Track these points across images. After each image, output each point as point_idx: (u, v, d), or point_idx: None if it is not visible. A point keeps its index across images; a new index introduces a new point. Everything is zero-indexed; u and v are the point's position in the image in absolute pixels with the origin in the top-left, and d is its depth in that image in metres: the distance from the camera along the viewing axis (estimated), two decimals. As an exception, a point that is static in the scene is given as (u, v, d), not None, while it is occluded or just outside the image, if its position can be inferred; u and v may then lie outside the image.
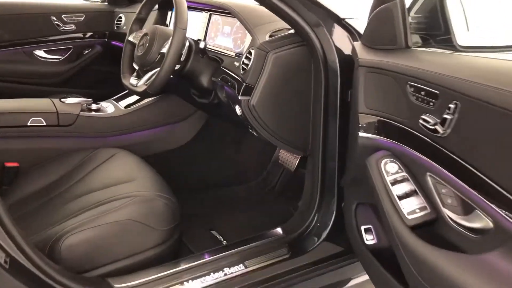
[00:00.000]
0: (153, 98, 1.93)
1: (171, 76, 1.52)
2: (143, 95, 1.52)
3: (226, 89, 1.51)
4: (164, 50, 1.47)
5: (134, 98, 1.98)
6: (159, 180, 1.52)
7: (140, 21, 1.68)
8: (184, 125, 1.97)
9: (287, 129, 1.45)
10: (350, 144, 1.27)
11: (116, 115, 1.85)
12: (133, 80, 1.59)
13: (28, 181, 1.60)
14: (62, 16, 2.41)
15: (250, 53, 1.40)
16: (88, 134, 1.78)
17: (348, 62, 1.27)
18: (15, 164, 1.65)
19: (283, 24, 1.43)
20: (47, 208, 1.44)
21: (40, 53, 2.41)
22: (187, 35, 1.52)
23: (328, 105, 1.35)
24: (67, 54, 2.48)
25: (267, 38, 1.42)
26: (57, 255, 1.20)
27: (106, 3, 2.58)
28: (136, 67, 1.62)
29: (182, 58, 1.52)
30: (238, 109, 1.44)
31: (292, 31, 1.39)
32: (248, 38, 1.49)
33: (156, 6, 1.83)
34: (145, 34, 1.55)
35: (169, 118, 1.94)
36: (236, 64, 1.48)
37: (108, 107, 1.91)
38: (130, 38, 1.66)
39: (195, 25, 1.78)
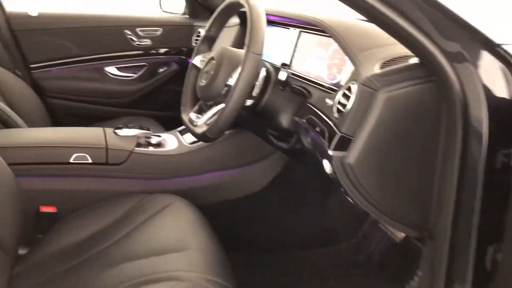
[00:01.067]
0: (226, 133, 1.57)
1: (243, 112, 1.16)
2: (201, 138, 1.16)
3: (312, 136, 1.10)
4: (232, 81, 1.09)
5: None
6: (217, 252, 1.16)
7: (209, 40, 1.33)
8: (258, 167, 1.58)
9: (397, 199, 1.01)
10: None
11: (177, 152, 1.51)
12: (193, 116, 1.24)
13: (65, 231, 1.32)
14: (137, 29, 2.16)
15: (350, 89, 0.98)
16: (142, 175, 1.46)
17: (504, 109, 0.83)
18: (52, 209, 1.37)
19: (400, 50, 0.99)
20: (77, 274, 1.13)
21: (111, 70, 2.19)
22: (269, 57, 1.13)
23: (465, 171, 0.89)
24: (140, 72, 2.24)
25: (376, 69, 0.98)
26: None
27: (187, 16, 2.29)
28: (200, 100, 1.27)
29: (255, 92, 1.13)
30: (327, 166, 1.03)
31: (414, 60, 0.94)
32: (349, 67, 1.07)
33: (235, 21, 1.47)
34: (211, 59, 1.19)
35: (241, 158, 1.56)
36: (329, 102, 1.06)
37: (171, 141, 1.58)
38: (196, 62, 1.31)
39: (280, 45, 1.39)
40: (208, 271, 1.06)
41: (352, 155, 0.93)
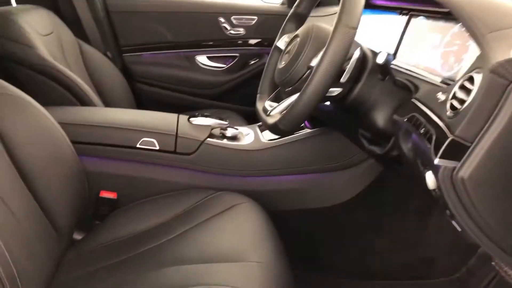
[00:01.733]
0: (307, 132, 1.35)
1: (328, 104, 0.94)
2: (271, 129, 0.95)
3: (414, 139, 0.86)
4: (314, 62, 0.88)
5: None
6: (282, 269, 0.96)
7: (297, 19, 1.13)
8: (345, 175, 1.34)
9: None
10: None
11: (252, 148, 1.33)
12: (268, 105, 1.04)
13: (122, 221, 1.21)
14: (232, 17, 2.03)
15: (471, 79, 0.72)
16: (210, 168, 1.30)
17: None
18: (112, 195, 1.27)
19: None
20: (122, 271, 1.01)
21: (202, 59, 2.08)
22: (369, 45, 0.91)
23: None
24: (231, 63, 2.11)
25: (512, 54, 0.71)
26: None
27: (286, 6, 2.11)
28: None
29: (345, 78, 0.90)
30: (430, 180, 0.79)
31: None
32: (472, 54, 0.81)
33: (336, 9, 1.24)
34: (295, 37, 0.99)
35: (325, 163, 1.33)
36: (441, 97, 0.81)
37: (247, 136, 1.40)
38: (279, 43, 1.12)
39: (383, 34, 1.15)
40: None
41: (467, 166, 0.68)
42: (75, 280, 1.03)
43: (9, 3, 1.63)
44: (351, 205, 1.34)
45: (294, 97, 0.94)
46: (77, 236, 1.24)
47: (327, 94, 0.94)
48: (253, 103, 2.08)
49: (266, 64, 1.15)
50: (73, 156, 1.16)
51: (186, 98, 2.07)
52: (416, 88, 0.93)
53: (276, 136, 1.36)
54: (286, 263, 1.02)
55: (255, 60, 2.10)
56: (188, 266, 0.97)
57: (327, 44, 0.81)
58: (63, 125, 1.17)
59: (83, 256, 1.12)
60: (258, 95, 1.12)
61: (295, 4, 1.11)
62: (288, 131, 0.91)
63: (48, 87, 1.40)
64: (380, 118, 0.96)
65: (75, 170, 1.16)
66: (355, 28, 0.81)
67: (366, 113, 0.98)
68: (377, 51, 1.00)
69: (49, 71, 1.40)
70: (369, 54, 0.94)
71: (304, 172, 1.34)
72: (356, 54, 0.90)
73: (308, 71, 0.92)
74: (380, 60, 0.87)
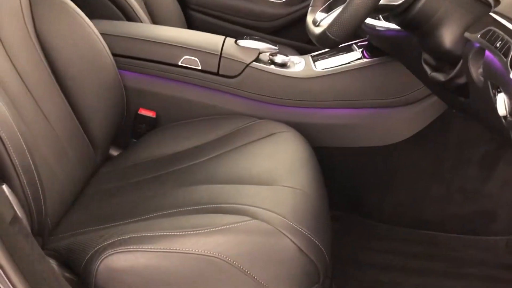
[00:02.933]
0: (364, 61, 1.22)
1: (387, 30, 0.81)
2: (319, 39, 0.84)
3: (488, 58, 0.72)
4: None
5: (346, 58, 1.28)
6: (317, 200, 0.88)
7: None
8: (402, 112, 1.20)
9: None
10: None
11: (301, 76, 1.22)
12: (319, 15, 0.92)
13: (158, 141, 1.17)
14: None
15: None
16: (254, 95, 1.21)
17: None
18: (151, 114, 1.22)
19: None
20: (149, 187, 0.98)
21: (262, -13, 1.96)
22: None
23: None
24: (291, -6, 1.96)
25: None
26: (90, 277, 0.71)
27: None
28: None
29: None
30: (501, 103, 0.66)
31: None
32: None
33: None
34: None
35: (380, 97, 1.20)
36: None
37: (299, 64, 1.29)
38: None
39: None
40: (296, 218, 0.78)
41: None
42: (103, 192, 1.01)
43: None
44: (407, 146, 1.21)
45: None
46: (114, 152, 1.21)
47: (388, 3, 0.81)
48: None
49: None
50: (113, 68, 1.12)
51: (241, 30, 1.96)
52: (497, 0, 0.78)
53: (329, 66, 1.24)
54: (323, 194, 0.93)
55: (318, -8, 1.95)
56: (217, 186, 0.91)
57: None
58: (105, 36, 1.13)
59: (116, 172, 1.10)
60: (309, 8, 1.01)
61: None
62: (337, 41, 0.79)
63: (96, 0, 1.36)
64: (448, 36, 0.82)
65: (113, 83, 1.12)
66: None
67: (431, 30, 0.84)
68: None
69: (98, -17, 1.35)
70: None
71: (356, 106, 1.21)
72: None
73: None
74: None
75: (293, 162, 0.98)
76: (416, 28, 0.86)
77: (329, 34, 0.78)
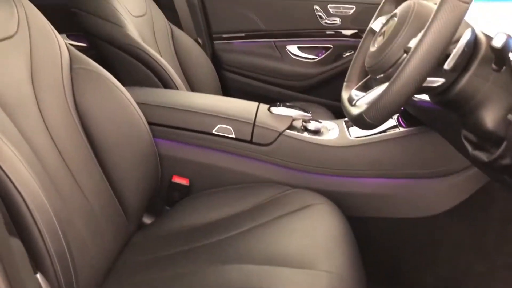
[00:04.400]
0: (401, 131, 1.20)
1: (425, 99, 0.79)
2: (356, 121, 0.82)
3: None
4: (413, 44, 0.74)
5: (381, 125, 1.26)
6: (357, 283, 0.84)
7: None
8: (441, 184, 1.16)
9: None
10: None
11: (335, 144, 1.21)
12: (354, 94, 0.92)
13: (191, 209, 1.17)
14: (328, 6, 1.91)
15: None
16: (287, 162, 1.20)
17: None
18: (184, 181, 1.23)
19: None
20: (181, 263, 0.96)
21: (293, 49, 1.99)
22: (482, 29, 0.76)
23: None
24: (324, 55, 1.99)
25: None
26: None
27: (389, -5, 1.94)
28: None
29: (449, 66, 0.75)
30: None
31: None
32: None
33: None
34: (393, 16, 0.85)
35: (418, 167, 1.17)
36: None
37: (333, 130, 1.28)
38: (374, 25, 0.99)
39: (505, 20, 0.96)
40: None
41: None
42: (136, 265, 0.99)
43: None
44: (447, 218, 1.16)
45: (385, 85, 0.81)
46: (147, 220, 1.21)
47: (425, 84, 0.79)
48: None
49: (357, 49, 1.02)
50: (148, 137, 1.13)
51: (274, 89, 1.99)
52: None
53: (364, 133, 1.22)
54: (362, 277, 0.90)
55: (349, 52, 1.96)
56: (250, 266, 0.88)
57: (430, 19, 0.67)
58: (141, 105, 1.15)
59: (149, 242, 1.09)
60: (344, 84, 1.00)
61: (396, -19, 0.97)
62: (374, 124, 0.78)
63: (133, 67, 1.41)
64: (491, 117, 0.79)
65: (149, 152, 1.13)
66: (468, 3, 0.66)
67: (472, 110, 0.81)
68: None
69: (135, 51, 1.39)
70: (482, 37, 0.77)
71: (393, 176, 1.18)
72: (466, 36, 0.74)
73: (404, 55, 0.78)
74: (497, 43, 0.70)
75: (329, 240, 0.95)
76: (456, 108, 0.83)
77: (366, 118, 0.77)
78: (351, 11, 1.91)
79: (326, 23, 1.93)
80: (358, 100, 0.85)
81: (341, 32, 1.94)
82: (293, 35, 1.96)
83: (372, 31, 0.99)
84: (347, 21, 1.92)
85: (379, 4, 1.85)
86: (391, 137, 1.18)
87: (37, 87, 0.95)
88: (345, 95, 0.95)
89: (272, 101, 1.82)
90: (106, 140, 1.05)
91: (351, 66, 1.01)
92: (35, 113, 0.93)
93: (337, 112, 1.78)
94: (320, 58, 1.98)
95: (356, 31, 1.94)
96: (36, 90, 0.95)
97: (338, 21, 1.93)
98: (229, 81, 2.01)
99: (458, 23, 0.66)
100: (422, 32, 0.69)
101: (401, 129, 1.19)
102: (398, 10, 0.84)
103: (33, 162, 0.82)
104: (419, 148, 1.17)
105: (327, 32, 1.95)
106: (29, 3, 1.01)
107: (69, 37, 1.69)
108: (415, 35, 0.77)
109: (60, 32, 1.05)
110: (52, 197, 0.73)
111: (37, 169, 0.81)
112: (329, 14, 1.92)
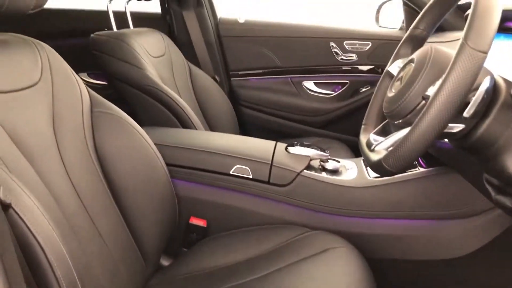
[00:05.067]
0: (421, 171, 1.18)
1: (445, 142, 0.78)
2: (374, 168, 0.82)
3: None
4: (431, 91, 0.74)
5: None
6: None
7: (415, 41, 0.98)
8: (464, 225, 1.14)
9: None
10: None
11: (354, 185, 1.19)
12: (372, 138, 0.91)
13: (209, 251, 1.15)
14: (344, 42, 1.93)
15: None
16: (305, 203, 1.19)
17: None
18: (202, 223, 1.22)
19: None
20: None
21: (309, 85, 2.01)
22: (502, 73, 0.75)
23: None
24: (340, 90, 1.99)
25: None
26: None
27: (404, 31, 1.95)
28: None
29: (469, 113, 0.74)
30: None
31: None
32: None
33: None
34: (410, 61, 0.85)
35: (440, 208, 1.15)
36: None
37: (351, 169, 1.27)
38: (391, 68, 0.99)
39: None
40: None
41: None
42: (153, 309, 0.98)
43: (128, 26, 1.72)
44: (469, 261, 1.13)
45: (404, 131, 0.80)
46: (164, 262, 1.20)
47: (445, 130, 0.79)
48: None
49: (374, 92, 1.02)
50: (166, 178, 1.14)
51: (291, 125, 2.00)
52: None
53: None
54: None
55: (366, 87, 1.97)
56: None
57: (448, 68, 0.66)
58: (159, 146, 1.16)
59: (166, 284, 1.08)
60: (362, 126, 1.00)
61: (412, 25, 0.97)
62: (393, 172, 0.77)
63: (153, 107, 1.43)
64: (512, 163, 0.78)
65: (167, 193, 1.13)
66: (486, 52, 0.66)
67: (494, 155, 0.79)
68: (513, 80, 0.82)
69: (154, 92, 1.42)
70: (502, 83, 0.77)
71: (414, 218, 1.16)
72: (486, 83, 0.73)
73: (422, 102, 0.77)
74: (518, 90, 0.69)
75: (351, 285, 0.92)
76: (477, 153, 0.82)
77: (385, 165, 0.76)
78: (367, 47, 1.92)
79: (342, 59, 1.95)
80: (377, 145, 0.85)
81: (358, 68, 1.95)
82: (310, 71, 1.98)
83: (389, 74, 0.99)
84: (363, 57, 1.93)
85: (394, 40, 1.87)
86: (411, 178, 1.16)
87: (58, 131, 0.97)
88: (363, 138, 0.95)
89: (289, 137, 1.83)
90: (125, 184, 1.05)
91: (368, 108, 1.01)
92: (55, 157, 0.94)
93: (355, 147, 1.76)
94: (336, 93, 1.99)
95: (372, 66, 1.94)
96: (57, 134, 0.97)
97: (354, 57, 1.94)
98: (246, 117, 2.02)
99: (476, 73, 0.65)
100: (441, 80, 0.68)
101: (422, 169, 1.17)
102: (415, 56, 0.84)
103: (53, 208, 0.83)
104: (440, 188, 1.15)
105: (343, 68, 1.96)
106: (52, 49, 1.03)
107: (89, 75, 1.73)
108: (433, 82, 0.76)
109: (81, 71, 1.07)
110: (71, 244, 0.73)
111: (56, 216, 0.81)
112: (345, 51, 1.94)
